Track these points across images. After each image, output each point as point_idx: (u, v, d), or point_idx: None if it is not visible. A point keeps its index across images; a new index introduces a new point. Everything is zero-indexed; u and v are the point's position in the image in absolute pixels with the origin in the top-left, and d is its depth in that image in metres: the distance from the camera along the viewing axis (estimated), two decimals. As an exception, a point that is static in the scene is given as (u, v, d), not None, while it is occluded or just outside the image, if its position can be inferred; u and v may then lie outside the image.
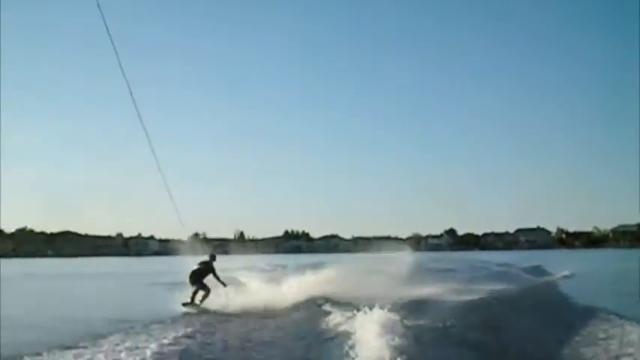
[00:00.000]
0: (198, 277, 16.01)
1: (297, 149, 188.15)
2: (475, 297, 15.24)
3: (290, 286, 18.96)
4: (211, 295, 16.14)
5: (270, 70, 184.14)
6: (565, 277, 25.21)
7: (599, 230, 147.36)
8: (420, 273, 25.05)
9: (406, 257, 29.24)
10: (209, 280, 16.18)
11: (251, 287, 19.63)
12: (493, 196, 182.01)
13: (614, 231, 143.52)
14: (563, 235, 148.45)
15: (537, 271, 30.61)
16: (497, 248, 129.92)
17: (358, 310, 10.99)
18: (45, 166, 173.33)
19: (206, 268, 16.23)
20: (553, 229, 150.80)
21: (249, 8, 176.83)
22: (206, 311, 15.35)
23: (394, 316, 10.15)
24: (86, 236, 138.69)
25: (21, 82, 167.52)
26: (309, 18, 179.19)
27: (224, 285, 16.21)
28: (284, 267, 36.41)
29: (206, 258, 16.85)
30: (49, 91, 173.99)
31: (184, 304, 15.64)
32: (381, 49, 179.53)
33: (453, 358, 8.84)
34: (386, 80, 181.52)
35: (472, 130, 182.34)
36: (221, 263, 16.91)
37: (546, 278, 25.86)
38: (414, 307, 11.93)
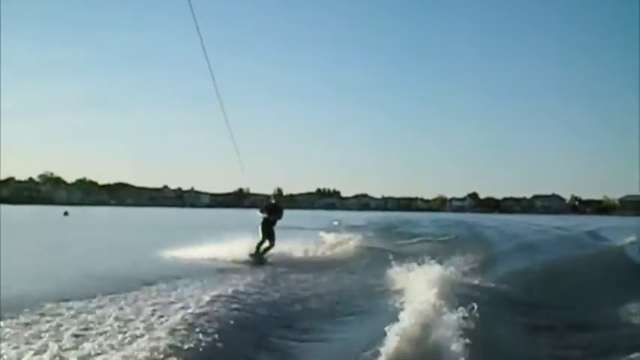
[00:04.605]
0: (269, 226, 15.09)
1: (329, 109, 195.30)
2: (541, 260, 16.75)
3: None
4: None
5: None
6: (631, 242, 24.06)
7: (608, 199, 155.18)
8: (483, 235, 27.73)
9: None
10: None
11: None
12: (512, 163, 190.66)
13: (622, 200, 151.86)
14: (576, 203, 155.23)
15: (595, 235, 30.65)
16: (515, 212, 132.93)
17: (420, 264, 10.92)
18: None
19: (275, 216, 15.22)
20: (567, 197, 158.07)
21: None
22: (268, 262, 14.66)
23: (455, 272, 10.35)
24: (141, 188, 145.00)
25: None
26: None
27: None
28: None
29: (272, 201, 15.79)
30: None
31: (251, 255, 14.73)
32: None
33: (508, 317, 8.54)
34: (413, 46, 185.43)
35: (494, 102, 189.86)
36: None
37: (610, 243, 24.83)
38: (480, 268, 11.69)
